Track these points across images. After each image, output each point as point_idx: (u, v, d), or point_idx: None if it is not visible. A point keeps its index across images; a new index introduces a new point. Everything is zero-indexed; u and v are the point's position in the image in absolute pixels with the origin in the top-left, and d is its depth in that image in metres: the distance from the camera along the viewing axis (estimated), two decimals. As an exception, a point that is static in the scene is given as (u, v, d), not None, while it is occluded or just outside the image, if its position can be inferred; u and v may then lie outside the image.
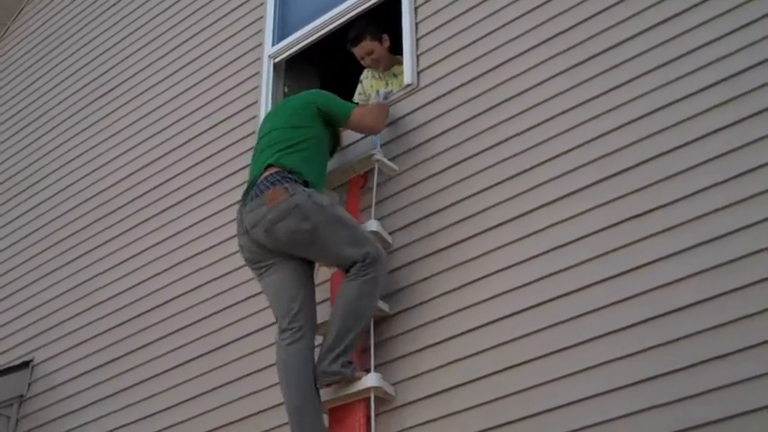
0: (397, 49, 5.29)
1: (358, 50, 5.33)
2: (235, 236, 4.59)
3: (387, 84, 5.33)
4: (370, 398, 4.10)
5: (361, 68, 5.58)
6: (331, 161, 4.81)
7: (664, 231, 3.73)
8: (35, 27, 7.88)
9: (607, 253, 3.84)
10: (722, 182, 3.66)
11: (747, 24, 3.85)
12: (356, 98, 5.49)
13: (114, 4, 7.19)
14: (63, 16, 7.65)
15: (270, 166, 4.35)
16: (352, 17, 5.44)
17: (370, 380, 4.11)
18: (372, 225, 4.46)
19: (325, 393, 4.20)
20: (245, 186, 4.48)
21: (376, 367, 4.22)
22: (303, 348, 4.14)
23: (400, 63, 5.21)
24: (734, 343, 3.39)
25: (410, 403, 4.12)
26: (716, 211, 3.63)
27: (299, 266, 4.29)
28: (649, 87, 4.02)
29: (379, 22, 5.39)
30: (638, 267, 3.73)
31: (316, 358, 4.17)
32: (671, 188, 3.78)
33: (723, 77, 3.82)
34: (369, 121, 4.67)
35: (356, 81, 5.64)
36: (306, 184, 4.30)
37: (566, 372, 3.74)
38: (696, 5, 4.02)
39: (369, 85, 5.48)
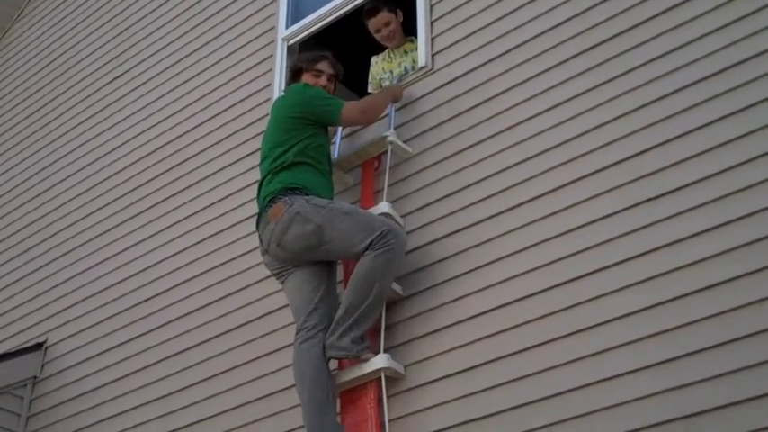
0: (407, 31, 5.29)
1: (375, 22, 5.30)
2: (243, 220, 4.75)
3: (399, 63, 5.31)
4: (381, 379, 4.11)
5: (375, 50, 5.57)
6: (344, 143, 4.80)
7: (675, 216, 3.72)
8: (52, 7, 7.88)
9: (620, 236, 3.83)
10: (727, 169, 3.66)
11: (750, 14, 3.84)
12: (369, 85, 5.46)
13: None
14: (71, 3, 7.66)
15: (267, 196, 4.41)
16: (365, 0, 5.42)
17: (380, 361, 4.12)
18: (384, 207, 4.45)
19: (337, 376, 4.20)
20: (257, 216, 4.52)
21: (388, 349, 4.22)
22: (315, 345, 4.16)
23: (411, 41, 5.19)
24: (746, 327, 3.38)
25: (422, 385, 4.12)
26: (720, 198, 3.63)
27: (316, 269, 4.34)
28: (665, 71, 4.00)
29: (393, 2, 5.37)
30: (651, 251, 3.72)
31: None
32: (678, 175, 3.77)
33: (724, 67, 3.83)
34: (357, 118, 4.64)
35: (369, 64, 5.62)
36: (306, 192, 4.34)
37: (578, 355, 3.73)
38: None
39: (379, 69, 5.46)
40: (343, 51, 5.13)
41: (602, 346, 3.68)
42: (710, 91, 3.84)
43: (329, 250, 4.26)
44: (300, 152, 4.46)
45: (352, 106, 4.59)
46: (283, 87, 5.49)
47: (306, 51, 5.67)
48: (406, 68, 5.20)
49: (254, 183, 5.13)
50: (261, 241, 4.45)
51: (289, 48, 5.72)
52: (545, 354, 3.82)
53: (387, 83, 5.25)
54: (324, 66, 4.83)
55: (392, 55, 5.40)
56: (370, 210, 4.50)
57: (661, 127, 3.91)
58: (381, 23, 5.29)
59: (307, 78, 4.79)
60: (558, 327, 3.82)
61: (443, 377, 4.06)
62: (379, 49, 5.53)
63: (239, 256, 5.20)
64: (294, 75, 4.86)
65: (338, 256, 4.39)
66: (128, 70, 6.73)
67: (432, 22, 5.01)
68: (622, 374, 3.59)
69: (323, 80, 4.80)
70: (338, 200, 4.61)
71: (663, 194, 3.78)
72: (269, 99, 5.55)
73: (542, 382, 3.77)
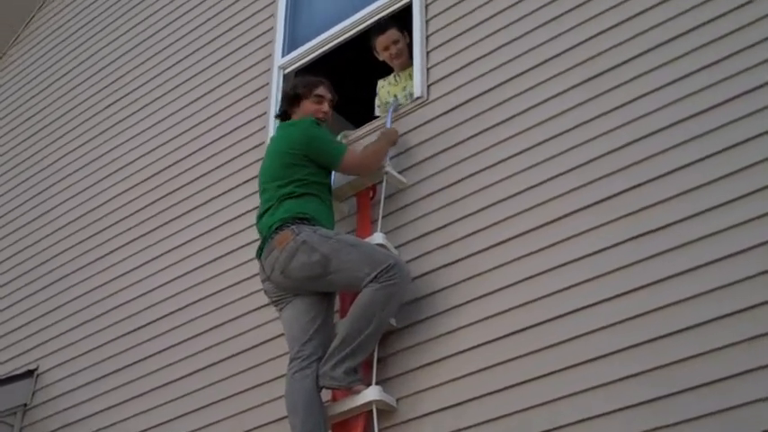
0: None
1: (384, 39, 5.27)
2: (239, 248, 4.72)
3: (404, 87, 5.30)
4: (372, 411, 4.08)
5: (372, 77, 5.56)
6: (338, 175, 4.79)
7: (675, 248, 3.70)
8: (49, 31, 7.89)
9: (618, 269, 3.81)
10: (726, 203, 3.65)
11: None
12: (377, 109, 5.45)
13: (125, 14, 7.21)
14: (75, 23, 7.68)
15: (272, 224, 4.37)
16: (362, 29, 5.45)
17: (371, 393, 4.09)
18: (378, 238, 4.43)
19: (329, 407, 4.18)
20: (260, 243, 4.48)
21: (381, 381, 4.19)
22: (309, 376, 4.13)
23: None
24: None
25: (415, 419, 4.09)
26: (725, 229, 3.62)
27: (316, 300, 4.31)
28: (655, 107, 4.00)
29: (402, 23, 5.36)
30: (647, 285, 3.70)
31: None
32: (681, 205, 3.76)
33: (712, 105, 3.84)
34: (357, 167, 4.59)
35: (366, 92, 5.62)
36: (312, 222, 4.32)
37: (570, 390, 3.71)
38: (707, 23, 4.02)
39: (385, 93, 5.44)
40: (338, 80, 5.12)
41: (597, 382, 3.66)
42: (698, 129, 3.83)
43: (333, 281, 4.23)
44: (303, 184, 4.43)
45: (352, 157, 4.55)
46: (277, 111, 5.49)
47: (299, 77, 5.70)
48: (396, 98, 5.18)
49: (252, 210, 5.14)
50: (262, 268, 4.41)
51: (285, 76, 5.72)
52: (538, 388, 3.79)
53: (386, 111, 5.23)
54: (323, 91, 4.77)
55: (398, 78, 5.39)
56: (365, 240, 4.48)
57: (653, 162, 3.90)
58: (390, 41, 5.27)
59: (307, 106, 4.71)
60: (552, 361, 3.80)
61: (436, 411, 4.03)
62: (377, 76, 5.53)
63: (235, 283, 5.18)
64: (291, 101, 4.76)
65: (341, 288, 4.35)
66: (125, 95, 6.73)
67: (427, 53, 5.02)
68: (619, 410, 3.56)
69: (325, 106, 4.74)
70: (337, 228, 4.59)
71: (659, 228, 3.77)
72: (264, 127, 5.55)
73: (536, 416, 3.74)
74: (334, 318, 4.42)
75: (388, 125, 4.85)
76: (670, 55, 4.07)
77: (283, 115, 4.81)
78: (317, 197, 4.45)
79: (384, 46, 5.31)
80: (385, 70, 5.48)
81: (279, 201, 4.41)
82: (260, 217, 4.52)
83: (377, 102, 5.48)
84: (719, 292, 3.52)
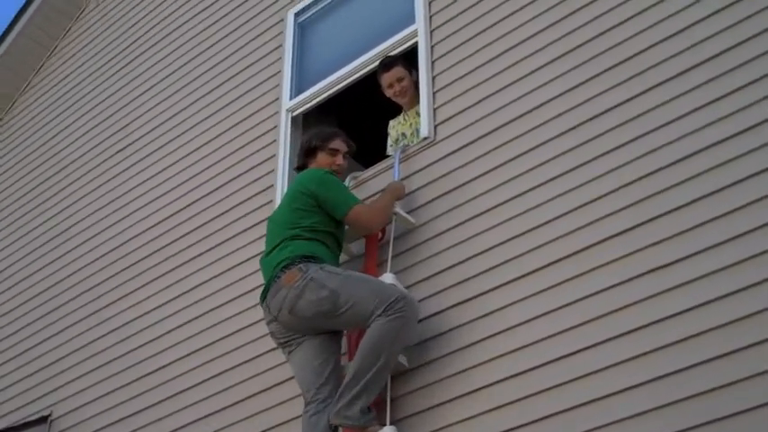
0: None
1: (388, 76, 5.30)
2: (249, 291, 4.75)
3: (411, 125, 5.33)
4: (385, 452, 4.08)
5: (381, 119, 5.60)
6: None
7: (687, 283, 3.71)
8: (58, 79, 7.97)
9: (634, 303, 3.80)
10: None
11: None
12: (389, 150, 5.46)
13: (134, 60, 7.27)
14: (84, 70, 7.75)
15: (280, 263, 4.38)
16: (369, 71, 5.48)
17: (386, 432, 4.09)
18: (388, 278, 4.44)
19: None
20: (264, 286, 4.48)
21: (396, 422, 4.19)
22: (323, 418, 4.13)
23: None
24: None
25: (428, 460, 4.08)
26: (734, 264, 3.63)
27: (325, 340, 4.32)
28: (667, 140, 4.02)
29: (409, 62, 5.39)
30: (664, 318, 3.70)
31: None
32: (682, 245, 3.77)
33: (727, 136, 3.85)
34: (364, 221, 4.58)
35: (374, 133, 5.65)
36: (319, 260, 4.33)
37: (589, 426, 3.70)
38: (718, 33, 4.07)
39: (395, 132, 5.47)
40: (346, 121, 5.17)
41: (615, 417, 3.65)
42: (714, 160, 3.85)
43: (342, 317, 4.21)
44: (311, 231, 4.44)
45: (361, 210, 4.54)
46: (288, 158, 5.53)
47: (317, 126, 5.73)
48: (402, 144, 5.20)
49: (260, 253, 5.14)
50: (268, 310, 4.39)
51: (293, 118, 5.75)
52: (551, 426, 3.79)
53: (392, 150, 5.26)
54: (338, 144, 4.80)
55: (406, 117, 5.41)
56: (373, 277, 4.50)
57: (665, 196, 3.91)
58: (395, 78, 5.29)
59: (322, 158, 4.74)
60: (565, 399, 3.80)
61: (450, 451, 4.03)
62: (385, 116, 5.56)
63: (246, 327, 5.18)
64: (308, 153, 4.81)
65: (350, 324, 4.32)
66: (135, 140, 6.77)
67: (434, 93, 5.04)
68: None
69: (339, 159, 4.76)
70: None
71: (666, 265, 3.78)
72: (273, 170, 5.58)
73: (551, 455, 3.74)
74: (341, 360, 4.42)
75: (396, 176, 4.86)
76: (678, 90, 4.09)
77: (300, 168, 4.85)
78: (324, 244, 4.46)
79: (389, 83, 5.34)
80: (396, 109, 5.51)
81: (285, 241, 4.42)
82: (265, 256, 4.53)
83: (389, 141, 5.51)
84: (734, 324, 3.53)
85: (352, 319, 4.24)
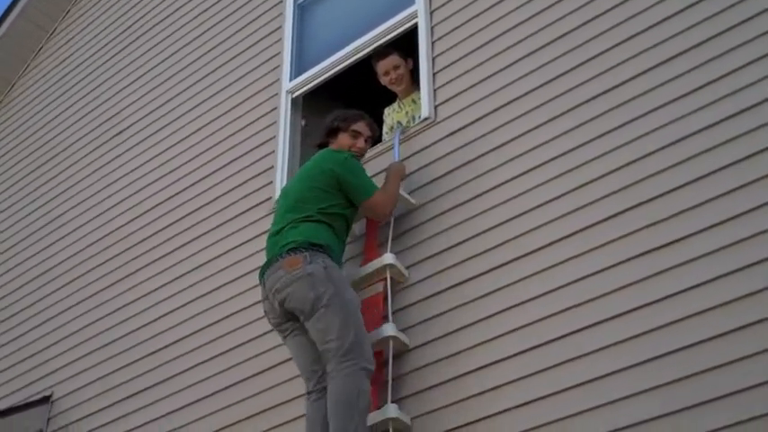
0: (417, 80, 5.30)
1: (384, 64, 5.33)
2: (251, 271, 4.72)
3: (406, 113, 5.34)
4: (388, 430, 4.09)
5: (381, 102, 5.60)
6: None
7: (681, 265, 3.73)
8: (57, 62, 7.96)
9: (627, 286, 3.83)
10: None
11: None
12: (384, 136, 5.47)
13: (132, 42, 7.26)
14: (84, 52, 7.74)
15: (288, 243, 4.34)
16: (369, 52, 5.48)
17: (389, 411, 4.10)
18: (389, 258, 4.47)
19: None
20: (266, 258, 4.46)
21: (397, 400, 4.21)
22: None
23: (419, 90, 5.21)
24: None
25: (429, 438, 4.10)
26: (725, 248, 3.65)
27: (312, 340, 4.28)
28: (669, 119, 4.03)
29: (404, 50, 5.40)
30: (658, 300, 3.72)
31: None
32: (684, 224, 3.79)
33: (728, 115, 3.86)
34: (381, 209, 4.56)
35: (376, 116, 5.65)
36: (326, 249, 4.30)
37: (584, 407, 3.72)
38: (724, 32, 4.05)
39: (390, 120, 5.49)
40: (346, 103, 5.17)
41: (608, 398, 3.68)
42: (715, 139, 3.86)
43: (310, 323, 4.17)
44: (324, 213, 4.42)
45: (380, 198, 4.52)
46: (288, 140, 5.54)
47: (310, 104, 5.76)
48: (400, 124, 5.22)
49: (260, 235, 5.18)
50: (264, 286, 4.38)
51: (293, 100, 5.75)
52: (552, 405, 3.81)
53: (390, 135, 5.27)
54: (361, 126, 4.76)
55: (401, 105, 5.43)
56: (374, 261, 4.54)
57: (667, 175, 3.93)
58: (390, 66, 5.32)
59: (344, 139, 4.71)
60: (565, 378, 3.82)
61: (451, 429, 4.04)
62: (385, 99, 5.57)
63: (245, 308, 5.19)
64: (329, 133, 4.77)
65: (311, 332, 4.22)
66: (136, 122, 6.76)
67: (434, 74, 5.04)
68: (632, 425, 3.57)
69: (360, 142, 4.74)
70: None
71: (669, 243, 3.79)
72: (273, 151, 5.58)
73: (550, 434, 3.76)
74: None
75: (396, 156, 4.86)
76: (679, 69, 4.10)
77: (321, 145, 4.82)
78: (332, 228, 4.42)
79: (384, 71, 5.36)
80: (393, 94, 5.52)
81: (296, 222, 4.40)
82: (273, 235, 4.49)
83: (384, 129, 5.52)
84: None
85: (313, 333, 4.18)
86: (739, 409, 3.36)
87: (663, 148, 3.98)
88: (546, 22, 4.67)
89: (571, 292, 3.97)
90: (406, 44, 5.39)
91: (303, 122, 5.76)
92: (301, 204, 4.45)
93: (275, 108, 5.78)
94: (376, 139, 4.92)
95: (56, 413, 5.95)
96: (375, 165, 4.97)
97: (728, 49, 3.97)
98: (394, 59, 5.32)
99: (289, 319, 4.31)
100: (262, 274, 4.42)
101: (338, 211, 4.47)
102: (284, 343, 4.45)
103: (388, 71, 5.34)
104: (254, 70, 6.09)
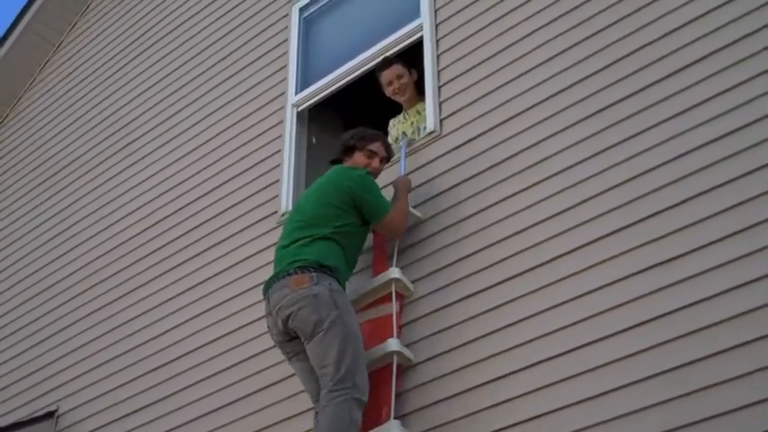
0: (421, 91, 5.30)
1: (387, 74, 5.33)
2: (255, 287, 4.71)
3: (411, 123, 5.33)
4: (391, 447, 4.08)
5: (387, 115, 5.59)
6: None
7: (691, 278, 3.70)
8: (62, 77, 7.97)
9: (634, 300, 3.80)
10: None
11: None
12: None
13: (139, 55, 7.27)
14: (89, 67, 7.75)
15: (297, 260, 4.32)
16: (374, 65, 5.47)
17: (392, 428, 4.08)
18: (394, 273, 4.45)
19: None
20: (273, 272, 4.44)
21: (400, 417, 4.18)
22: None
23: (424, 101, 5.19)
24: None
25: (434, 453, 4.08)
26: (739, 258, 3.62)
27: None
28: (673, 133, 4.01)
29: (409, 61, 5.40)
30: (665, 314, 3.70)
31: None
32: (691, 238, 3.77)
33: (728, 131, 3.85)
34: (395, 228, 4.55)
35: (379, 128, 5.64)
36: (334, 272, 4.28)
37: (593, 421, 3.69)
38: (725, 47, 4.04)
39: (396, 131, 5.48)
40: (352, 117, 5.17)
41: (618, 413, 3.65)
42: (717, 155, 3.84)
43: (309, 347, 4.15)
44: (337, 232, 4.39)
45: (392, 220, 4.50)
46: (294, 153, 5.53)
47: (316, 117, 5.75)
48: (405, 136, 5.21)
49: (266, 249, 5.16)
50: (268, 302, 4.35)
51: (299, 113, 5.75)
52: (559, 420, 3.78)
53: (396, 145, 5.25)
54: (377, 147, 4.75)
55: (406, 116, 5.42)
56: (380, 275, 4.52)
57: (670, 190, 3.91)
58: (394, 75, 5.32)
59: (359, 158, 4.69)
60: (572, 393, 3.79)
61: (455, 445, 4.03)
62: (391, 113, 5.56)
63: (251, 323, 5.17)
64: (345, 151, 4.75)
65: (308, 354, 4.21)
66: (141, 135, 6.76)
67: (439, 87, 5.04)
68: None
69: (375, 162, 4.71)
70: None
71: (676, 257, 3.77)
72: (279, 165, 5.58)
73: (556, 450, 3.74)
74: None
75: (402, 170, 4.84)
76: (683, 84, 4.09)
77: (334, 162, 4.80)
78: (343, 249, 4.40)
79: (388, 81, 5.35)
80: (398, 108, 5.51)
81: (308, 239, 4.36)
82: (282, 247, 4.46)
83: (389, 140, 5.51)
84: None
85: (311, 356, 4.17)
86: (740, 426, 3.34)
87: (665, 163, 3.96)
88: (550, 36, 4.66)
89: (580, 304, 3.95)
90: (411, 58, 5.38)
91: (313, 140, 5.76)
92: (316, 221, 4.42)
93: (281, 121, 5.77)
94: (390, 159, 4.90)
95: (61, 428, 5.94)
96: (381, 177, 4.95)
97: (730, 64, 3.96)
98: (397, 69, 5.32)
99: (291, 338, 4.29)
100: (266, 289, 4.39)
101: (352, 230, 4.45)
102: (289, 363, 4.42)
103: (392, 81, 5.34)
104: (260, 83, 6.10)
